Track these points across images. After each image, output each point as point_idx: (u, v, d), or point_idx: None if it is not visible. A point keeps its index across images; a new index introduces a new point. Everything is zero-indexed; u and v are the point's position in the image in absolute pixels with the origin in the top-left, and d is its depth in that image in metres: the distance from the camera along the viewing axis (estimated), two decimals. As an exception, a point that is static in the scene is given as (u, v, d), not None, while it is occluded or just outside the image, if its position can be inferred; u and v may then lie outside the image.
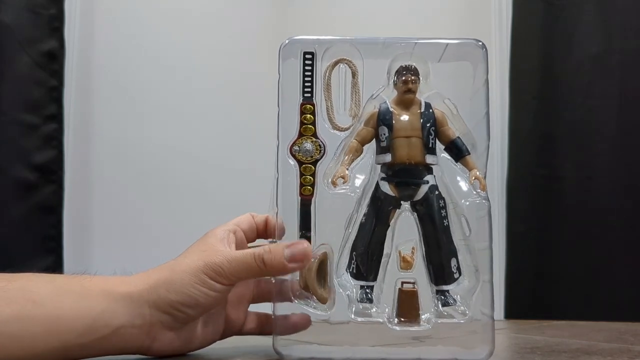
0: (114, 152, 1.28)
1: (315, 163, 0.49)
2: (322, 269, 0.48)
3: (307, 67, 0.49)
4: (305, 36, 0.50)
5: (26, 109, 1.15)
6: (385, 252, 0.49)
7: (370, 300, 0.48)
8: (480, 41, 0.50)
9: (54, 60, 1.18)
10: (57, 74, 1.19)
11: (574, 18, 1.36)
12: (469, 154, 0.49)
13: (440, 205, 0.48)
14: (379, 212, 0.49)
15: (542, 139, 1.38)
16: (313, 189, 0.49)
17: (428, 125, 0.49)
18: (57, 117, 1.18)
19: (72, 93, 1.23)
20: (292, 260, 0.46)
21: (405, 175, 0.48)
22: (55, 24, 1.19)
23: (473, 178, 0.48)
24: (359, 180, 0.50)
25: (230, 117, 1.42)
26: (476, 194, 0.49)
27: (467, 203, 0.49)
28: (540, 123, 1.39)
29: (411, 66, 0.49)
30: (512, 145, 1.40)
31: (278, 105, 0.50)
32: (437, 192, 0.49)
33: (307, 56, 0.49)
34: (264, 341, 0.58)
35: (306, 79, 0.49)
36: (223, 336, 0.53)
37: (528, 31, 1.41)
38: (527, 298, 1.34)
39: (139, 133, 1.30)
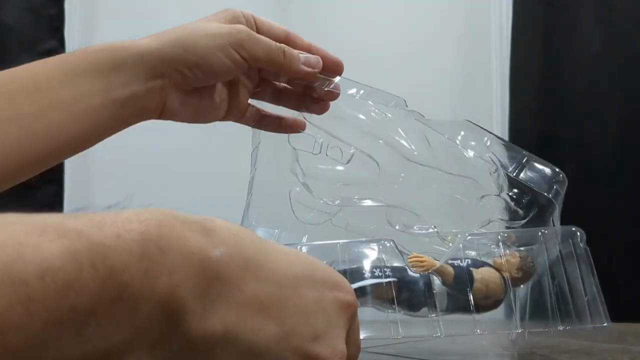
0: (114, 152, 1.28)
1: None
2: None
3: None
4: None
5: (26, 109, 1.15)
6: None
7: None
8: None
9: (54, 60, 1.19)
10: (57, 74, 1.19)
11: (574, 18, 1.36)
12: None
13: None
14: None
15: (542, 139, 1.38)
16: None
17: None
18: (57, 117, 1.18)
19: (72, 93, 1.23)
20: (306, 64, 0.49)
21: None
22: (55, 24, 1.19)
23: None
24: None
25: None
26: None
27: None
28: (540, 123, 1.39)
29: None
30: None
31: None
32: None
33: None
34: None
35: None
36: (225, 117, 0.52)
37: (528, 31, 1.41)
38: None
39: (139, 133, 1.30)
